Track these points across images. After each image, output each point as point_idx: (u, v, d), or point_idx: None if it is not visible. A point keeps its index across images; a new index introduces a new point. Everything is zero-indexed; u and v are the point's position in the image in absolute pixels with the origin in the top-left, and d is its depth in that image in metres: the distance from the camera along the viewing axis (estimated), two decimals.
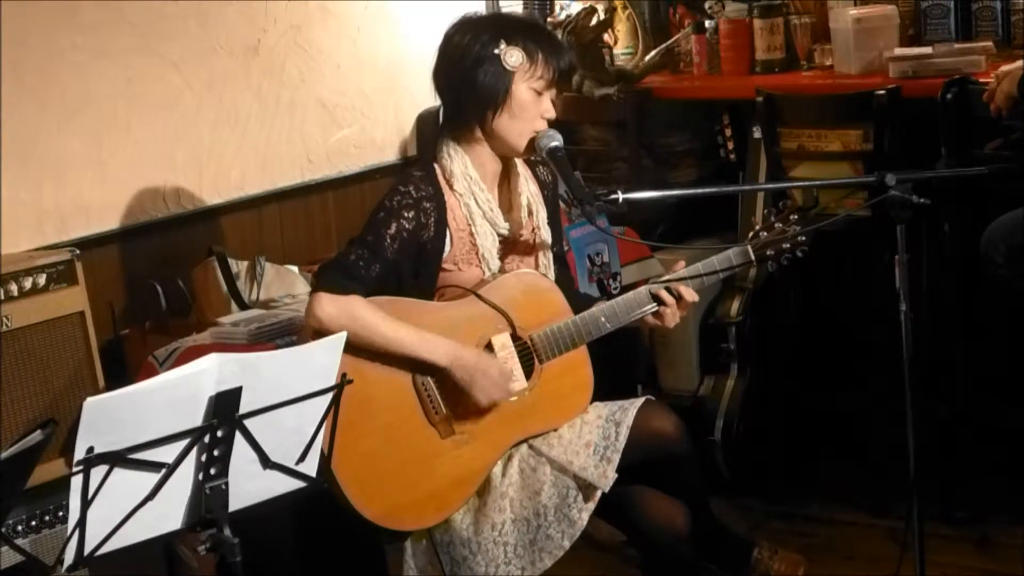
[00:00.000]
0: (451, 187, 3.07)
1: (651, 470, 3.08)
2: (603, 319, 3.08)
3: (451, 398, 3.00)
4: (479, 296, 3.03)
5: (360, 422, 2.90)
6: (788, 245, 3.17)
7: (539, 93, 3.05)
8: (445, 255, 3.06)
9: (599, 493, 2.97)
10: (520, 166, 3.19)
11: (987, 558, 3.78)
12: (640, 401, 3.12)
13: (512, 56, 3.01)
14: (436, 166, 3.09)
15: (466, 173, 3.07)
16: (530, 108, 3.04)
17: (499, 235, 3.11)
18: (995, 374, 4.06)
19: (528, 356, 3.06)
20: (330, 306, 2.91)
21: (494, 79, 3.01)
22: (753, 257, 3.17)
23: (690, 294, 3.10)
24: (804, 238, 3.17)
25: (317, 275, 3.03)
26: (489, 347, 3.02)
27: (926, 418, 3.17)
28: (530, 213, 3.16)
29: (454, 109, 3.10)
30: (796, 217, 3.18)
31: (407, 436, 2.98)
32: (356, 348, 2.86)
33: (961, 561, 3.75)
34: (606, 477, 2.97)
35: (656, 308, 3.11)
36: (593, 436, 3.04)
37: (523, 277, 3.11)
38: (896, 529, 3.53)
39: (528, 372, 3.06)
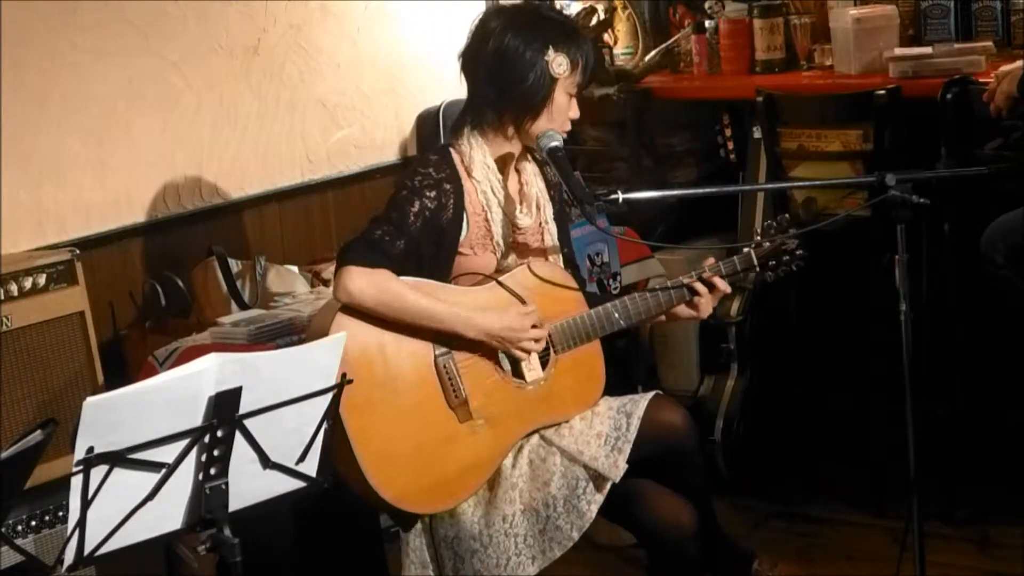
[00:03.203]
0: (469, 174, 3.09)
1: (657, 466, 3.09)
2: (616, 315, 3.12)
3: (472, 383, 3.01)
4: (499, 283, 3.05)
5: (382, 402, 2.91)
6: (787, 258, 3.21)
7: (572, 96, 3.10)
8: (462, 239, 3.08)
9: (609, 484, 2.99)
10: (530, 161, 3.21)
11: (987, 558, 3.78)
12: (650, 395, 3.15)
13: (560, 64, 3.05)
14: (453, 151, 3.10)
15: (485, 162, 3.10)
16: (564, 111, 3.10)
17: (512, 225, 3.14)
18: (995, 374, 4.06)
19: (544, 347, 3.08)
20: (361, 279, 2.90)
21: (540, 85, 3.04)
22: (756, 262, 3.20)
23: (723, 284, 3.17)
24: (801, 252, 3.21)
25: (342, 252, 2.98)
26: None
27: (926, 418, 3.17)
28: (538, 207, 3.19)
29: (490, 105, 3.09)
30: (795, 231, 3.22)
31: (426, 418, 2.98)
32: (382, 329, 2.89)
33: (961, 561, 3.74)
34: (617, 467, 2.99)
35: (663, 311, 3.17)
36: (604, 427, 3.06)
37: (541, 268, 3.13)
38: (896, 529, 3.52)
39: (543, 363, 3.08)
